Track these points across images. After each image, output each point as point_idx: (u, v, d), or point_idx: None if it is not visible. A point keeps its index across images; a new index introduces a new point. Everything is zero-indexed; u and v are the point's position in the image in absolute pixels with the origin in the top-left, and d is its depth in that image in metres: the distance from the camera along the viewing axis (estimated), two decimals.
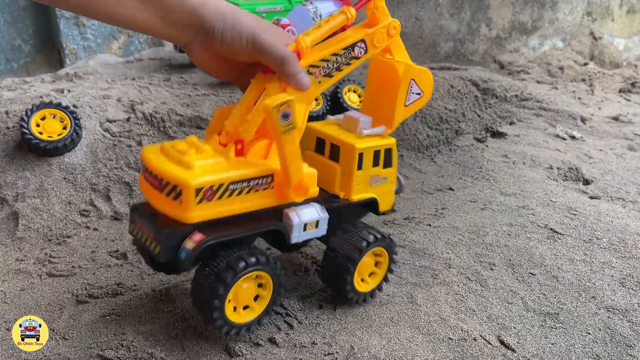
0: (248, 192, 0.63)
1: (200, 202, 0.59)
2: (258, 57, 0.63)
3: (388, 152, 0.74)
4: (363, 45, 0.70)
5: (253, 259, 0.63)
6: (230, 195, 0.61)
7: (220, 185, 0.60)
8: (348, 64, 0.70)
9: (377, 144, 0.73)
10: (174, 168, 0.60)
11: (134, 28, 0.64)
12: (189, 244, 0.60)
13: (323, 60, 0.67)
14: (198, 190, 0.58)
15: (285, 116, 0.60)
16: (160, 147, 0.64)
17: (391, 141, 0.75)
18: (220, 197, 0.60)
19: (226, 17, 0.63)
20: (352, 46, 0.69)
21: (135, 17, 0.61)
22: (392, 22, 0.71)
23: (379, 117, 0.75)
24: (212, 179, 0.59)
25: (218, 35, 0.63)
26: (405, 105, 0.75)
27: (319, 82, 0.68)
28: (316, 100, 1.34)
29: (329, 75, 0.68)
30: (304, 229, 0.68)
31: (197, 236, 0.60)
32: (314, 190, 0.67)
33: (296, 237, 0.68)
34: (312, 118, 1.30)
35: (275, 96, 0.61)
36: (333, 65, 0.68)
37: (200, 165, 0.60)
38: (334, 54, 0.68)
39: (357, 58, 0.70)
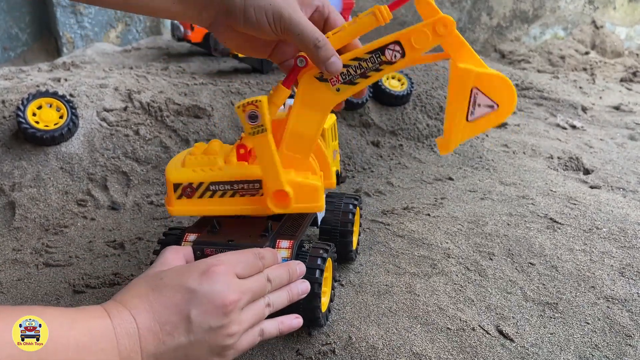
0: (233, 195, 0.65)
1: (180, 197, 0.64)
2: (286, 38, 0.59)
3: (335, 126, 0.81)
4: (398, 48, 0.59)
5: None
6: (212, 195, 0.64)
7: (200, 184, 0.64)
8: (378, 70, 0.60)
9: (333, 120, 0.79)
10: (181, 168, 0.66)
11: (152, 13, 0.62)
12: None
13: (343, 66, 0.60)
14: (176, 186, 0.64)
15: (253, 117, 0.58)
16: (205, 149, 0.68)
17: (334, 117, 0.82)
18: (201, 196, 0.64)
19: None
20: (382, 49, 0.59)
21: (152, 0, 0.59)
22: (440, 19, 0.58)
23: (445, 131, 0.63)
24: (190, 177, 0.64)
25: (240, 13, 0.57)
26: (468, 121, 0.60)
27: (337, 89, 0.61)
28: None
29: (351, 83, 0.61)
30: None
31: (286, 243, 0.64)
32: (314, 205, 0.64)
33: (320, 216, 0.77)
34: (355, 105, 1.30)
35: (249, 99, 0.59)
36: (356, 72, 0.60)
37: (190, 163, 0.65)
38: (356, 59, 0.60)
39: (390, 63, 0.60)
